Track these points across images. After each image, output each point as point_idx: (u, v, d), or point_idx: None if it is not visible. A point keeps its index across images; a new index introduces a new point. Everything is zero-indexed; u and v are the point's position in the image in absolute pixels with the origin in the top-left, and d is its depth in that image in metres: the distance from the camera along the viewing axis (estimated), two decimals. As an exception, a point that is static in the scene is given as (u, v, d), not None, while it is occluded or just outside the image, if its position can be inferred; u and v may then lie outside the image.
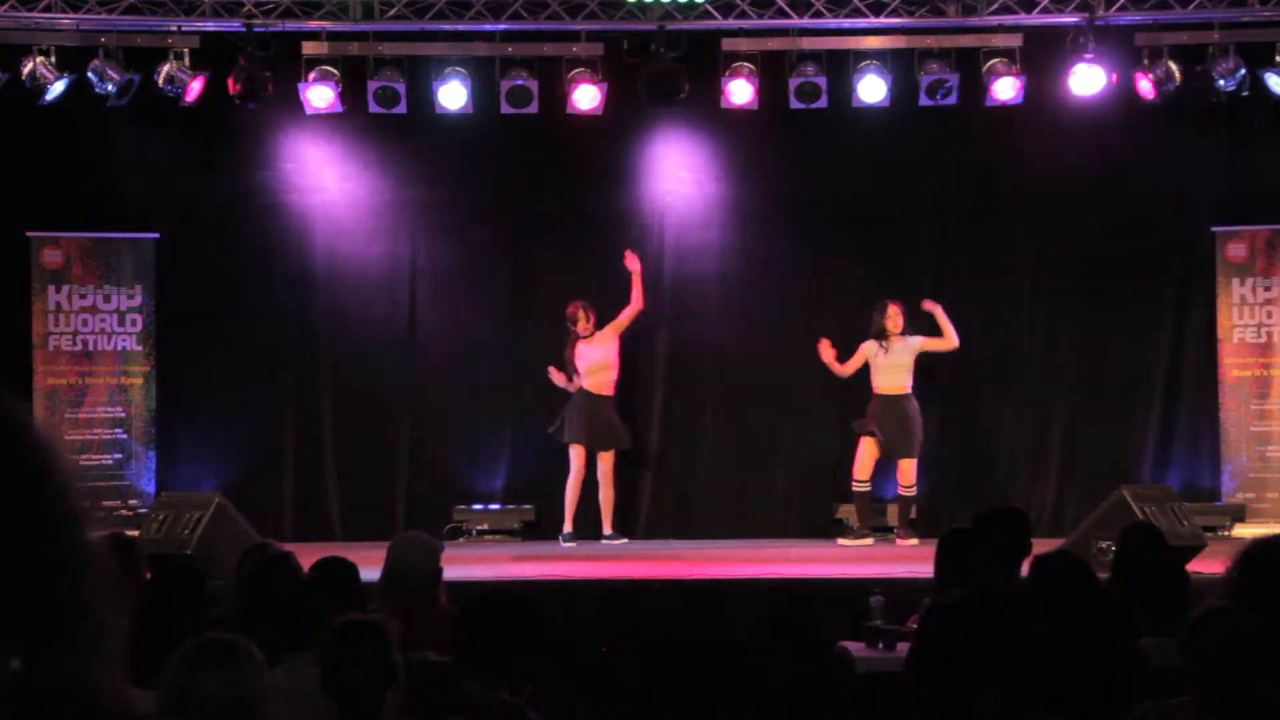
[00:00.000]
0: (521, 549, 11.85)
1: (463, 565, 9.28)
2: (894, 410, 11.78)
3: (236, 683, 3.22)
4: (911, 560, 10.18)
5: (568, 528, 11.95)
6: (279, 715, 3.70)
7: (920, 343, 11.89)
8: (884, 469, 11.96)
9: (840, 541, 11.82)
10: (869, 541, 11.70)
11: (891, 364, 11.82)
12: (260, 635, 4.77)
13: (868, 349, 11.90)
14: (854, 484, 11.89)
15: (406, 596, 6.17)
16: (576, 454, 11.98)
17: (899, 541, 11.66)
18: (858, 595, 7.82)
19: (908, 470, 11.79)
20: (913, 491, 11.83)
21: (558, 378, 12.03)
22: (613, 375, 12.06)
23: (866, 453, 11.83)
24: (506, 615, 4.55)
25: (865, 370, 11.93)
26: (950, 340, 11.94)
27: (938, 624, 5.71)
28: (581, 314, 12.00)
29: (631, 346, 12.70)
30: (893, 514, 12.04)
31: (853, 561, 10.57)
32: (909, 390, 11.85)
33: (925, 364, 12.07)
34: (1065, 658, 4.66)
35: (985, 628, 4.92)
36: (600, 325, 12.05)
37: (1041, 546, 5.58)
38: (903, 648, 6.61)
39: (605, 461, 12.00)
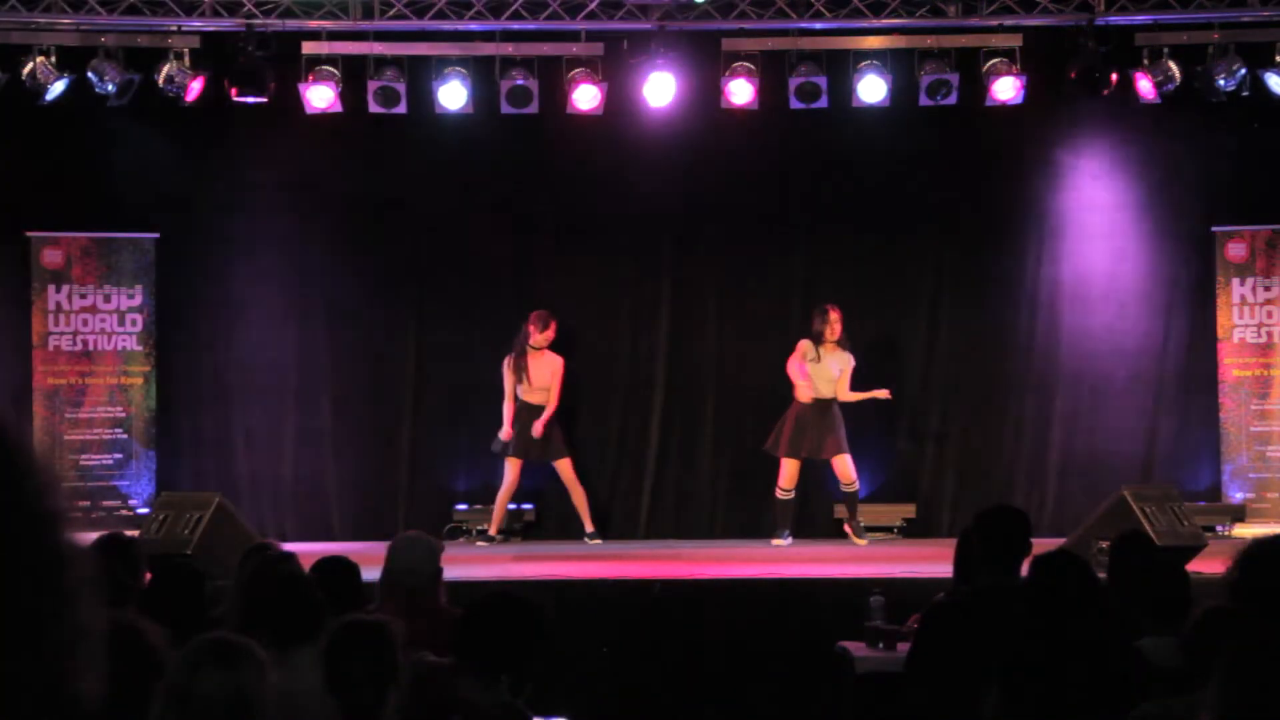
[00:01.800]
0: (521, 549, 11.87)
1: (463, 565, 9.29)
2: (819, 412, 11.75)
3: (238, 682, 3.21)
4: (911, 560, 10.19)
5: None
6: (279, 715, 3.70)
7: (848, 365, 11.84)
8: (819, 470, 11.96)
9: (860, 542, 11.79)
10: (865, 542, 11.75)
11: (820, 375, 11.79)
12: (260, 635, 4.78)
13: (804, 348, 11.83)
14: (779, 492, 11.90)
15: (406, 596, 6.17)
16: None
17: (853, 539, 11.70)
18: (858, 595, 7.83)
19: (846, 467, 11.76)
20: (855, 487, 11.81)
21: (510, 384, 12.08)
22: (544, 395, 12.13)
23: (789, 465, 11.84)
24: (507, 616, 4.55)
25: (812, 374, 11.82)
26: (847, 395, 11.80)
27: (938, 624, 5.72)
28: (541, 324, 12.02)
29: (631, 346, 12.73)
30: (841, 510, 12.05)
31: (853, 561, 10.58)
32: (834, 397, 11.84)
33: (927, 363, 12.05)
34: (1065, 658, 4.65)
35: (985, 628, 4.93)
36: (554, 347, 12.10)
37: (1041, 546, 5.58)
38: (903, 648, 6.62)
39: (565, 468, 12.10)
